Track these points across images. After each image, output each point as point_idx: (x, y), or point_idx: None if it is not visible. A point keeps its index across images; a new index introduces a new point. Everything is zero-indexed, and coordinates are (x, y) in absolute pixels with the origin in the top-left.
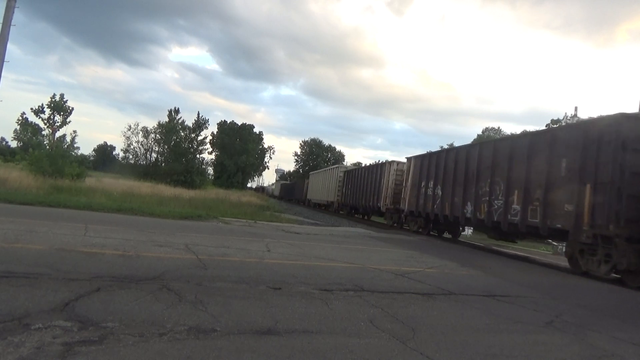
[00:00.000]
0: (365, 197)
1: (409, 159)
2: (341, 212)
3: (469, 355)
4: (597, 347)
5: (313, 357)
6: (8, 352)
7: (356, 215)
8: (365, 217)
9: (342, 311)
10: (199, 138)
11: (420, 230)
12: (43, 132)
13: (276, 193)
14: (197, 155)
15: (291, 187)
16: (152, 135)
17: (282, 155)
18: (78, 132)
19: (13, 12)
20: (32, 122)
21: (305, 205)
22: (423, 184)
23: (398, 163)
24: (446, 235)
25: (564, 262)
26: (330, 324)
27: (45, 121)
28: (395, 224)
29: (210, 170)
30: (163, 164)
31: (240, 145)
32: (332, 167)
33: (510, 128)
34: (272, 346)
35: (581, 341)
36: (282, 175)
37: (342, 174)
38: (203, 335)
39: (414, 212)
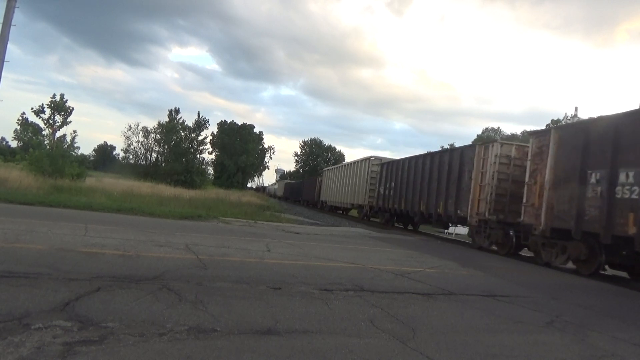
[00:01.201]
0: (427, 201)
1: (538, 133)
2: (374, 218)
3: (469, 355)
4: (597, 347)
5: (313, 357)
6: (8, 352)
7: (398, 225)
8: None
9: (342, 311)
10: (199, 138)
11: (579, 267)
12: (43, 132)
13: (279, 193)
14: (197, 155)
15: (298, 186)
16: (152, 135)
17: (282, 155)
18: (78, 132)
19: (13, 12)
20: (32, 122)
21: (319, 209)
22: (596, 177)
23: (503, 144)
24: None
25: None
26: (330, 324)
27: (46, 121)
28: (493, 245)
29: (211, 170)
30: (163, 164)
31: (240, 145)
32: (360, 159)
33: (510, 128)
34: (272, 346)
35: (581, 341)
36: (282, 175)
37: (376, 168)
38: (203, 335)
39: (573, 231)
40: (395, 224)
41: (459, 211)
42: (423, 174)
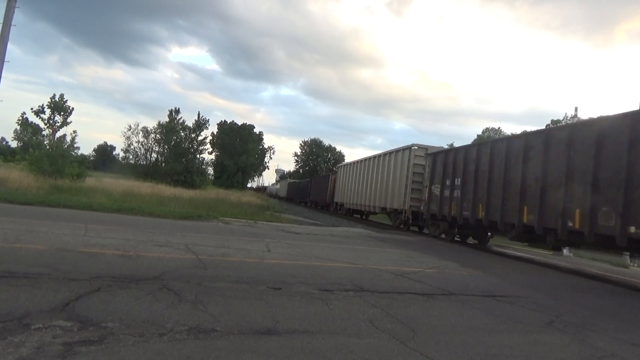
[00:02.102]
0: (541, 207)
1: None
2: (415, 227)
3: (469, 356)
4: (597, 347)
5: (313, 357)
6: (8, 352)
7: (468, 240)
8: (470, 240)
9: (342, 311)
10: (199, 138)
11: None
12: (43, 132)
13: (282, 194)
14: (197, 155)
15: (304, 186)
16: (152, 135)
17: (282, 155)
18: (78, 132)
19: (13, 12)
20: (32, 122)
21: (332, 212)
22: None
23: None
24: None
25: (564, 262)
26: (330, 324)
27: (45, 121)
28: None
29: (210, 170)
30: (163, 164)
31: (241, 145)
32: (396, 149)
33: (510, 128)
34: (272, 346)
35: (581, 341)
36: (282, 175)
37: (422, 161)
38: (203, 335)
39: None
40: (454, 238)
41: (632, 228)
42: (527, 165)
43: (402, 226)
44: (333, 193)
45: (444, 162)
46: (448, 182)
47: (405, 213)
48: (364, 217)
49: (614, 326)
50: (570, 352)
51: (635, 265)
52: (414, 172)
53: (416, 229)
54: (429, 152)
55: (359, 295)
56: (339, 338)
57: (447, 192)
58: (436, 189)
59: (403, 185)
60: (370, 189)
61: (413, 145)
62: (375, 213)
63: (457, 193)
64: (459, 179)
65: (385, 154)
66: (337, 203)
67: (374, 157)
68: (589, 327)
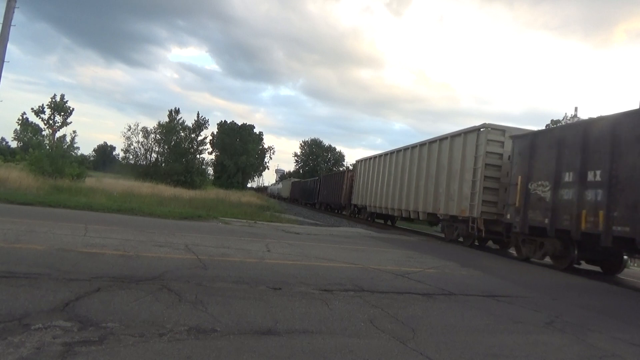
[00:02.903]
0: None
1: None
2: (499, 245)
3: (469, 356)
4: (597, 347)
5: (313, 357)
6: (8, 352)
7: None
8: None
9: (342, 311)
10: (199, 138)
11: None
12: (43, 133)
13: (284, 194)
14: (197, 156)
15: (311, 185)
16: (152, 135)
17: (282, 155)
18: (78, 132)
19: (13, 12)
20: (32, 122)
21: (349, 216)
22: None
23: None
24: None
25: None
26: (330, 324)
27: (45, 121)
28: None
29: (210, 171)
30: (163, 164)
31: (241, 146)
32: (454, 133)
33: None
34: (272, 346)
35: (581, 341)
36: (282, 176)
37: (500, 148)
38: (203, 335)
39: None
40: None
41: None
42: None
43: (460, 239)
44: (350, 193)
45: (558, 145)
46: (570, 177)
47: (475, 223)
48: (385, 221)
49: (614, 326)
50: (570, 352)
51: (635, 265)
52: (486, 165)
53: (476, 242)
54: (511, 134)
55: (359, 295)
56: (339, 338)
57: (568, 194)
58: (541, 189)
59: (469, 183)
60: (408, 188)
61: (483, 125)
62: (411, 220)
63: (595, 195)
64: (600, 172)
65: (433, 141)
66: (355, 205)
67: (415, 145)
68: (589, 327)
